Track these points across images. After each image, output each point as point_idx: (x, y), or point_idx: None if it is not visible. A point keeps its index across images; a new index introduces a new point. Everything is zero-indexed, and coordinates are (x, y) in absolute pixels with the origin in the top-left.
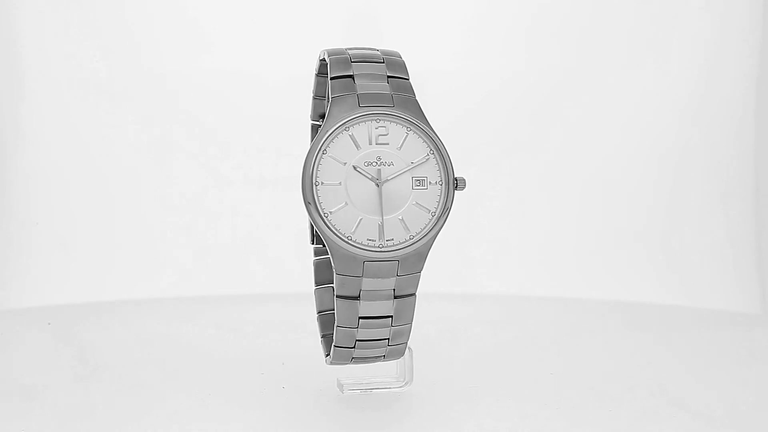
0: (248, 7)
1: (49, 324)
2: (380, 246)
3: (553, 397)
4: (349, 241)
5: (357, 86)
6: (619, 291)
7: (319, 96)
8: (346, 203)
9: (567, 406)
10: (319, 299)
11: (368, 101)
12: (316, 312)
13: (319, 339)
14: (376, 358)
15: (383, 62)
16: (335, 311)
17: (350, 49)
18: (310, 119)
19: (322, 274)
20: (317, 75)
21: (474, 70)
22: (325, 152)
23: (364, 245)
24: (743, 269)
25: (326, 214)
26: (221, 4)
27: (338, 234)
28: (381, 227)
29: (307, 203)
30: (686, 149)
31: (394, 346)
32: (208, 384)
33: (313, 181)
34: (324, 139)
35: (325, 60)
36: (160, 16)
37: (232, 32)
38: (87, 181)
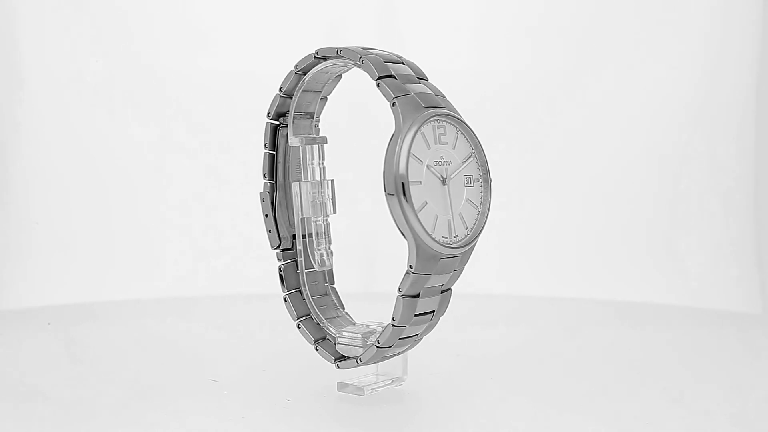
0: (246, 8)
1: (49, 324)
2: (450, 243)
3: (555, 397)
4: (434, 239)
5: (407, 87)
6: (620, 291)
7: (287, 94)
8: (426, 202)
9: (568, 405)
10: (294, 306)
11: (427, 102)
12: (294, 320)
13: (313, 348)
14: (397, 354)
15: (404, 63)
16: (396, 311)
17: (367, 49)
18: (268, 118)
19: (291, 278)
20: (297, 72)
21: (476, 72)
22: (409, 151)
23: (442, 242)
24: (743, 269)
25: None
26: (220, 5)
27: (427, 232)
28: (451, 224)
29: (389, 194)
30: (687, 151)
31: (418, 340)
32: (208, 383)
33: (406, 179)
34: (411, 138)
35: (333, 56)
36: (159, 18)
37: (231, 33)
38: (86, 182)
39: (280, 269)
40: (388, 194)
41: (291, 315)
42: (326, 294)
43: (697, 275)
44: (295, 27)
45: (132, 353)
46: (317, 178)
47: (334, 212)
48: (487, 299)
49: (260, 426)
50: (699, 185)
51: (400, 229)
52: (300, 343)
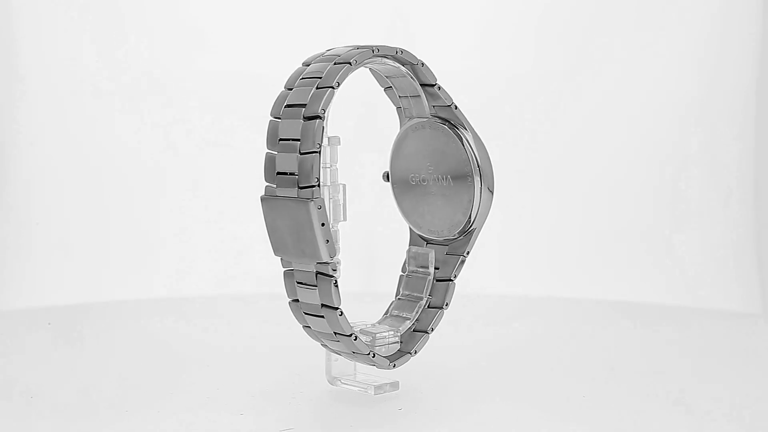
0: (245, 8)
1: (49, 324)
2: None
3: (555, 396)
4: None
5: None
6: (619, 290)
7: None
8: None
9: (568, 405)
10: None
11: None
12: (350, 332)
13: (370, 356)
14: None
15: None
16: (449, 296)
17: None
18: (322, 114)
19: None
20: (348, 63)
21: (479, 72)
22: None
23: None
24: (743, 269)
25: None
26: (219, 6)
27: None
28: None
29: (491, 191)
30: (687, 151)
31: None
32: (208, 383)
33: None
34: None
35: (390, 55)
36: (157, 19)
37: (229, 34)
38: (86, 182)
39: (335, 283)
40: (491, 192)
41: (346, 328)
42: None
43: (697, 275)
44: (299, 27)
45: (131, 353)
46: (335, 181)
47: (345, 219)
48: (487, 299)
49: (261, 425)
50: (699, 185)
51: (479, 223)
52: (300, 344)
